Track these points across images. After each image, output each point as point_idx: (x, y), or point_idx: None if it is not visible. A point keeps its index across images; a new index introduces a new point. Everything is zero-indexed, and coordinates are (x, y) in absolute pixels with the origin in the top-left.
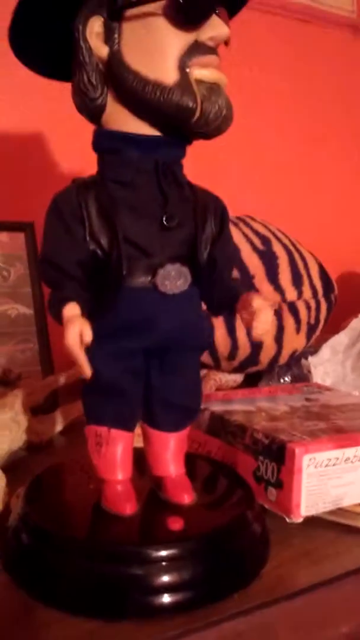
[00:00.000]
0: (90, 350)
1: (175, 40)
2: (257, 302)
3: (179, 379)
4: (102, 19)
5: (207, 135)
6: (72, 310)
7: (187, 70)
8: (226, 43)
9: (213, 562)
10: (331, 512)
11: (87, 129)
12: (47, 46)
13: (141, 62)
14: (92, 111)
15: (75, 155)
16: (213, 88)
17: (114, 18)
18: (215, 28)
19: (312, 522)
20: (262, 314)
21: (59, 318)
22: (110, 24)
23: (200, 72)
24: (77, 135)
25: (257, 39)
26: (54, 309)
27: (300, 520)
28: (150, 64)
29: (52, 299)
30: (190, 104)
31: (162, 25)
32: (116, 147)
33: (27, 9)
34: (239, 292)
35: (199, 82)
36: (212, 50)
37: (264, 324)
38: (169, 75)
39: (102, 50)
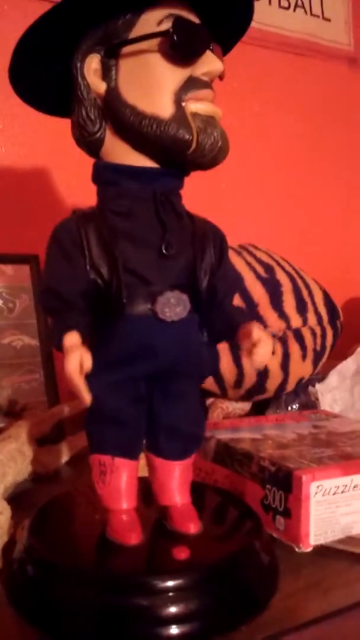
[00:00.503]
0: (91, 379)
1: (170, 76)
2: (256, 333)
3: (182, 406)
4: (99, 57)
5: (204, 166)
6: (72, 339)
7: (183, 104)
8: (220, 77)
9: (220, 593)
10: (341, 541)
11: (88, 162)
12: (46, 84)
13: (138, 97)
14: (91, 145)
15: (77, 188)
16: (208, 121)
17: (111, 55)
18: (209, 64)
19: (322, 551)
20: (261, 346)
21: (59, 347)
22: (108, 61)
23: (196, 105)
24: (78, 169)
25: (258, 73)
26: (55, 338)
27: (309, 549)
28: (146, 98)
29: (54, 327)
30: (187, 137)
31: (157, 62)
32: (115, 179)
33: (26, 49)
34: (240, 320)
35: (195, 115)
36: (206, 85)
37: (262, 356)
38: (165, 109)
39: (100, 87)
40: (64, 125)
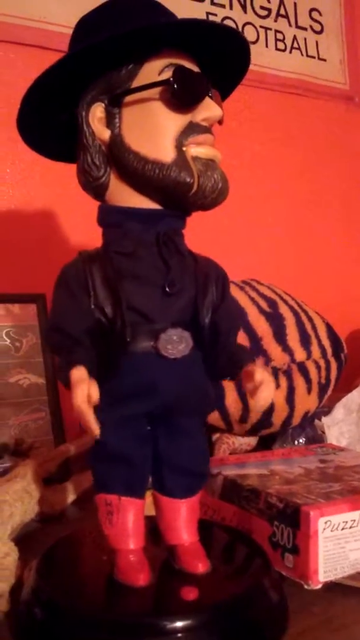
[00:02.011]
0: (96, 419)
1: (171, 122)
2: (259, 375)
3: (186, 443)
4: (103, 105)
5: (204, 207)
6: (79, 373)
7: (184, 148)
8: (220, 122)
9: (230, 633)
10: (351, 577)
11: (90, 204)
12: (52, 132)
13: (141, 143)
14: (96, 189)
15: (81, 229)
16: (209, 164)
17: (115, 104)
18: (208, 109)
19: (332, 587)
20: (264, 389)
21: (66, 382)
22: (112, 109)
23: (196, 149)
24: (82, 211)
25: (257, 113)
26: (61, 373)
27: (319, 586)
28: (149, 144)
29: (60, 363)
30: (188, 179)
31: (158, 109)
32: (119, 221)
33: (32, 101)
34: (243, 359)
35: (195, 159)
36: (206, 130)
37: (265, 399)
38: (167, 154)
39: (105, 134)
40: (68, 169)
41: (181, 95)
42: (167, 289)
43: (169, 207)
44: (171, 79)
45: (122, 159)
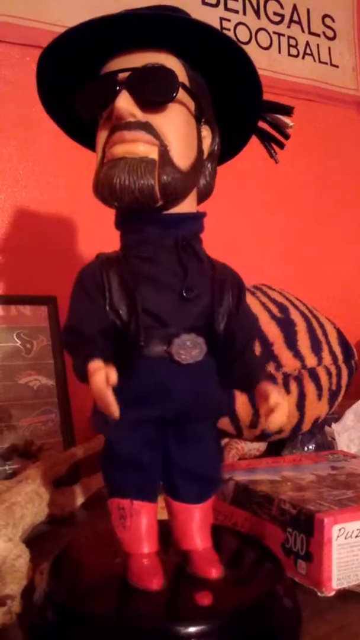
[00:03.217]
0: (107, 421)
1: (102, 134)
2: (274, 398)
3: (198, 449)
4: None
5: (130, 208)
6: (96, 363)
7: (103, 156)
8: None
9: (244, 639)
10: None
11: (105, 207)
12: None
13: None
14: None
15: (93, 231)
16: (112, 164)
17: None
18: (113, 107)
19: (345, 595)
20: (277, 412)
21: (84, 375)
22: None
23: (109, 152)
24: (94, 213)
25: None
26: (78, 369)
27: (332, 593)
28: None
29: (76, 361)
30: (94, 187)
31: (98, 125)
32: (136, 225)
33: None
34: (258, 375)
35: (106, 163)
36: (118, 127)
37: (276, 424)
38: (98, 169)
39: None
40: (81, 171)
41: (81, 107)
42: (185, 294)
43: (132, 214)
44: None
45: None
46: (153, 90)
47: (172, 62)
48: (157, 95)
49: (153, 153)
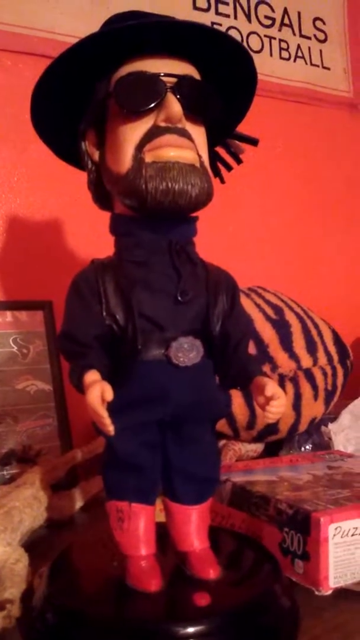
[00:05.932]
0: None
1: (130, 132)
2: (270, 388)
3: (196, 450)
4: (94, 127)
5: (169, 211)
6: (92, 375)
7: (142, 155)
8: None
9: (242, 638)
10: None
11: (96, 211)
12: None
13: (112, 159)
14: (103, 203)
15: (87, 236)
16: (165, 167)
17: (97, 126)
18: (166, 108)
19: (342, 594)
20: (275, 402)
21: (80, 386)
22: (97, 130)
23: (154, 153)
24: (88, 218)
25: (261, 121)
26: (74, 378)
27: (329, 592)
28: (114, 158)
29: (73, 368)
30: (139, 187)
31: (120, 121)
32: (131, 230)
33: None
34: (254, 370)
35: (150, 164)
36: (168, 130)
37: (275, 414)
38: (125, 165)
39: (95, 155)
40: (74, 178)
41: (123, 102)
42: (179, 298)
43: (148, 218)
44: (111, 89)
45: (105, 177)
46: (202, 104)
47: (195, 72)
48: (205, 110)
49: (197, 162)
